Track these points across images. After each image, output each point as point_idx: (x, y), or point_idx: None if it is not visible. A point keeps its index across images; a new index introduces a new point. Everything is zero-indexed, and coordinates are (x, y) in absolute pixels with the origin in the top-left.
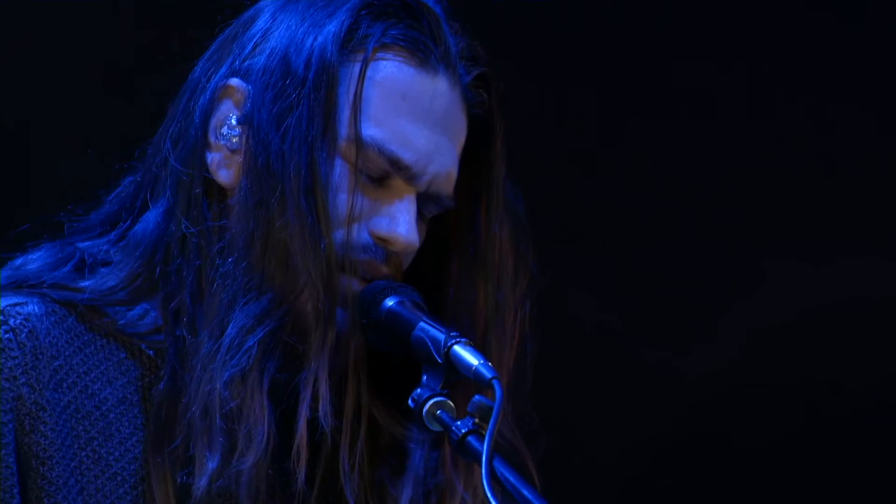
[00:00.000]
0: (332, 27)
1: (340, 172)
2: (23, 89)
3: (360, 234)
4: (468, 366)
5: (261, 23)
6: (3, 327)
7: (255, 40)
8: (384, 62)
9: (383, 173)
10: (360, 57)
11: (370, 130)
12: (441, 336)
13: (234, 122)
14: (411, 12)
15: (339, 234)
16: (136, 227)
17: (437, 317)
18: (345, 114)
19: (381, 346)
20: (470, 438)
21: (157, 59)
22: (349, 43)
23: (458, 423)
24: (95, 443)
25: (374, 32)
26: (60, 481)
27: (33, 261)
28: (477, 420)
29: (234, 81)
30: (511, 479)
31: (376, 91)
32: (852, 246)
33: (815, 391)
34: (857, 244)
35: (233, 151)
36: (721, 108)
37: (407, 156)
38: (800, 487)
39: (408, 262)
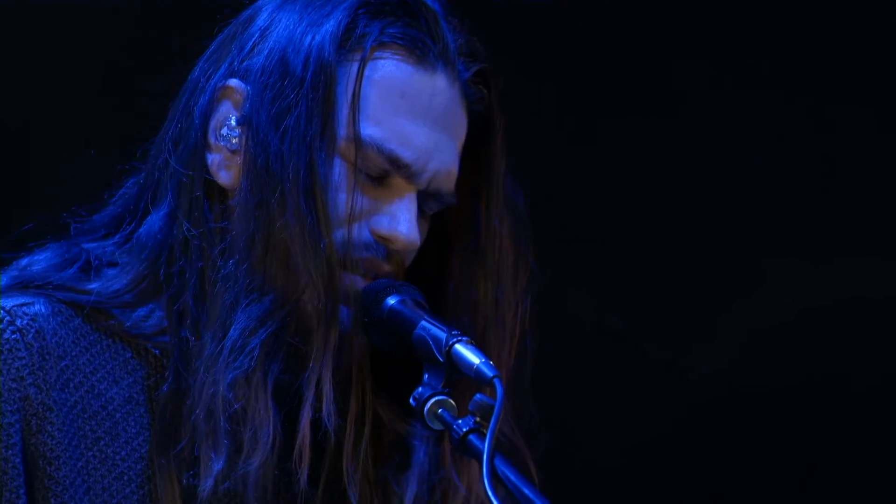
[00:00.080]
0: (329, 26)
1: (340, 172)
2: (23, 89)
3: (360, 234)
4: (469, 364)
5: (259, 22)
6: (10, 328)
7: (253, 40)
8: (382, 61)
9: (383, 172)
10: (357, 56)
11: (369, 130)
12: (442, 335)
13: (233, 122)
14: (409, 10)
15: (340, 234)
16: (141, 230)
17: (439, 315)
18: (343, 113)
19: (383, 345)
20: (471, 437)
21: (157, 59)
22: (347, 42)
23: (460, 421)
24: (102, 442)
25: (371, 31)
26: (67, 481)
27: (39, 261)
28: (478, 419)
29: (233, 82)
30: (512, 477)
31: (375, 90)
32: (852, 246)
33: (814, 391)
34: (857, 244)
35: (233, 152)
36: (721, 108)
37: (406, 154)
38: (799, 487)
39: (409, 260)
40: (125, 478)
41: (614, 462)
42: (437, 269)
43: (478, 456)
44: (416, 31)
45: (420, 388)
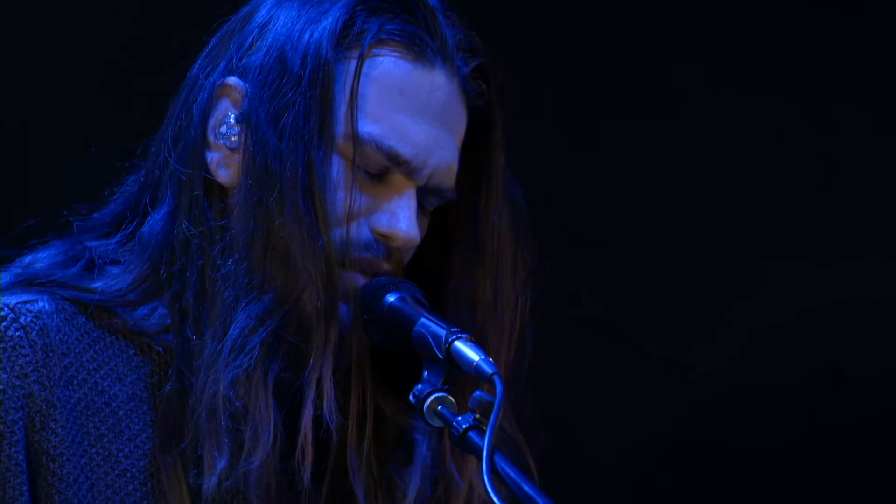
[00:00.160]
0: (327, 23)
1: (338, 170)
2: (23, 89)
3: (360, 232)
4: (469, 361)
5: (258, 19)
6: (13, 325)
7: (251, 37)
8: (381, 58)
9: (382, 169)
10: (355, 53)
11: (367, 127)
12: (442, 332)
13: (232, 120)
14: (406, 7)
15: (339, 233)
16: (143, 229)
17: (439, 311)
18: (342, 111)
19: (383, 342)
20: (471, 434)
21: (157, 59)
22: (345, 39)
23: (459, 418)
24: (105, 439)
25: (369, 28)
26: (71, 478)
27: (42, 259)
28: (478, 415)
29: (232, 80)
30: (512, 474)
31: (373, 87)
32: (852, 246)
33: (814, 391)
34: (857, 244)
35: (232, 150)
36: (721, 108)
37: (405, 150)
38: (799, 487)
39: (409, 257)
40: (128, 474)
41: (614, 462)
42: (436, 265)
43: (477, 452)
44: (415, 28)
45: (420, 385)
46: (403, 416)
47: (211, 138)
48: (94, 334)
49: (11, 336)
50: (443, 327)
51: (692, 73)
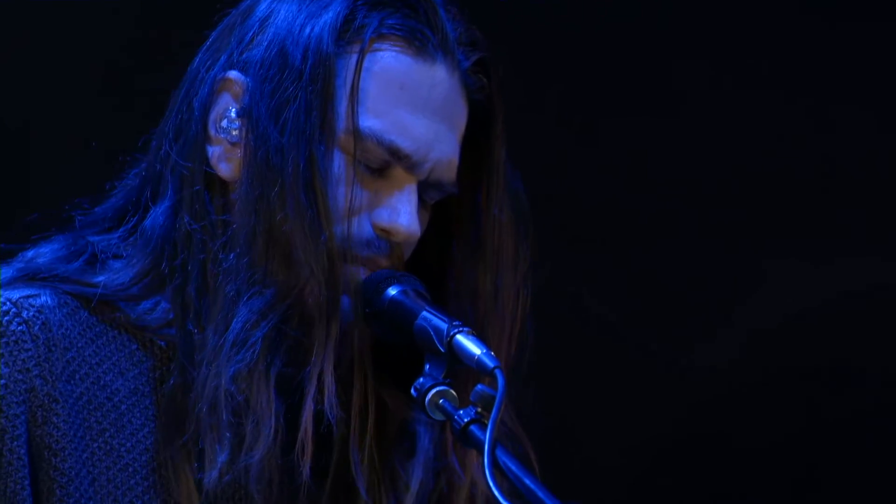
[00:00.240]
0: (328, 17)
1: (339, 165)
2: (23, 89)
3: (361, 227)
4: (471, 355)
5: (258, 13)
6: (16, 319)
7: (252, 31)
8: (381, 52)
9: (383, 164)
10: (356, 48)
11: (368, 122)
12: (443, 325)
13: (233, 115)
14: (407, 1)
15: (340, 228)
16: (146, 223)
17: (440, 304)
18: (342, 106)
19: (384, 335)
20: (472, 427)
21: (157, 59)
22: (346, 34)
23: (461, 412)
24: (107, 434)
25: (370, 22)
26: (72, 472)
27: (45, 253)
28: (479, 409)
29: (233, 74)
30: (513, 467)
31: (374, 82)
32: (852, 246)
33: (815, 391)
34: (857, 244)
35: (233, 145)
36: (721, 108)
37: (406, 145)
38: (800, 487)
39: (409, 252)
40: (130, 469)
41: (614, 462)
42: (437, 259)
43: (479, 446)
44: (415, 22)
45: (421, 379)
46: (405, 410)
47: (212, 132)
48: (97, 329)
49: (14, 330)
50: (444, 321)
51: (692, 73)
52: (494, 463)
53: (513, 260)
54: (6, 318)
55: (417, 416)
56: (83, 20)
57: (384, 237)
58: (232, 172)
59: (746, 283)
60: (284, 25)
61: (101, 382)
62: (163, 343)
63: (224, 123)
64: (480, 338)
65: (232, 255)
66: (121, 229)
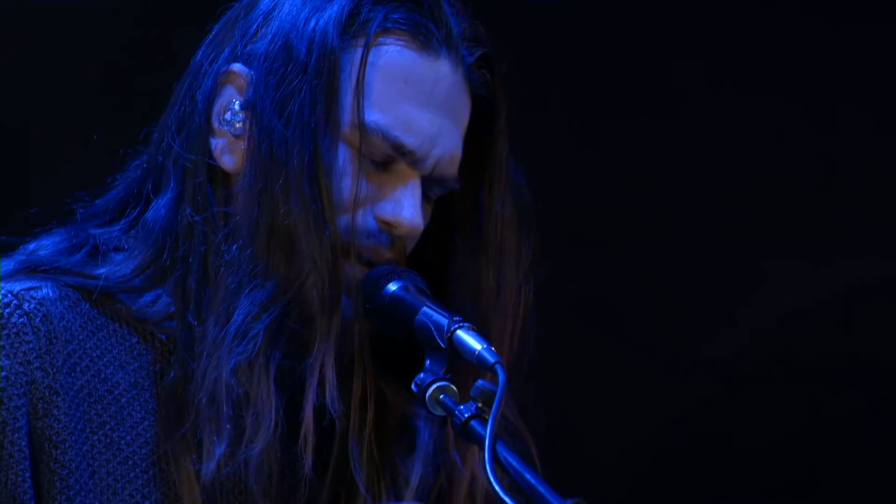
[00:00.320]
0: (333, 11)
1: (344, 158)
2: (23, 89)
3: (364, 219)
4: (471, 350)
5: (262, 6)
6: (17, 311)
7: (256, 24)
8: (386, 47)
9: (387, 158)
10: (361, 42)
11: (373, 116)
12: (444, 321)
13: (237, 107)
14: None
15: (344, 220)
16: (147, 215)
17: (441, 300)
18: (347, 100)
19: (385, 330)
20: (473, 423)
21: (157, 59)
22: (351, 28)
23: (462, 407)
24: (107, 427)
25: (375, 16)
26: (73, 465)
27: (46, 246)
28: (480, 404)
29: (237, 67)
30: (514, 463)
31: (379, 76)
32: (852, 246)
33: (816, 390)
34: (857, 244)
35: (236, 137)
36: (721, 108)
37: (410, 141)
38: (801, 487)
39: (412, 246)
40: (130, 462)
41: (615, 461)
42: (439, 254)
43: (480, 441)
44: (420, 17)
45: (422, 374)
46: (406, 405)
47: (215, 125)
48: (98, 321)
49: (15, 323)
50: (445, 316)
51: (693, 72)
52: (495, 458)
53: (515, 256)
54: (7, 311)
55: (418, 412)
56: (83, 20)
57: (387, 230)
58: (235, 165)
59: (747, 283)
60: (289, 19)
61: (102, 375)
62: (163, 336)
63: (228, 116)
64: (481, 333)
65: (234, 246)
66: (122, 221)
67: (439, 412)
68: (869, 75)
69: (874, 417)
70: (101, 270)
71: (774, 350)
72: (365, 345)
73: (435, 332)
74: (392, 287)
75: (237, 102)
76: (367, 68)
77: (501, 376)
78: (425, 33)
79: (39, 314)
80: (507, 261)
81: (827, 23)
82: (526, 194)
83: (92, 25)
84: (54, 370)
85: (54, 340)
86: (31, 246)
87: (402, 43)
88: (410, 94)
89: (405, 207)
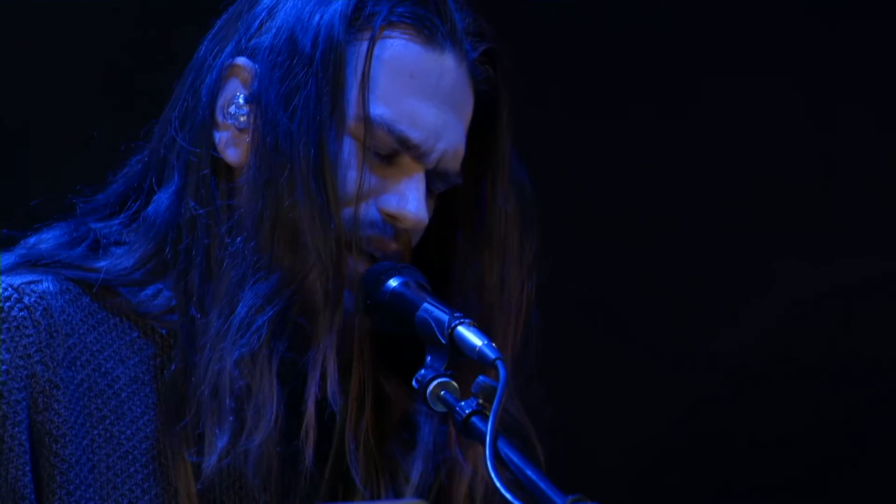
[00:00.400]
0: (338, 5)
1: (349, 151)
2: (23, 89)
3: (368, 212)
4: (472, 347)
5: (266, 1)
6: (17, 305)
7: (260, 18)
8: (391, 40)
9: (392, 151)
10: (367, 35)
11: (379, 110)
12: (445, 317)
13: (241, 101)
14: None
15: (348, 213)
16: (149, 208)
17: (444, 297)
18: (353, 93)
19: (385, 327)
20: (474, 419)
21: (157, 59)
22: (356, 21)
23: (462, 403)
24: (107, 421)
25: (380, 10)
26: (73, 459)
27: (47, 239)
28: (481, 401)
29: (241, 60)
30: (515, 459)
31: (384, 70)
32: (852, 246)
33: (817, 390)
34: (857, 244)
35: (241, 130)
36: (722, 108)
37: (415, 134)
38: (803, 486)
39: (416, 240)
40: (130, 457)
41: (616, 460)
42: (441, 251)
43: (481, 438)
44: (425, 11)
45: (423, 371)
46: (407, 401)
47: (219, 118)
48: (99, 316)
49: (15, 316)
50: (445, 312)
51: (694, 73)
52: (496, 454)
53: (518, 251)
54: (8, 304)
55: (419, 408)
56: (83, 20)
57: (391, 223)
58: (239, 158)
59: (747, 283)
60: (293, 13)
61: (103, 369)
62: (164, 331)
63: (232, 109)
64: (484, 329)
65: (238, 239)
66: (122, 215)
67: (440, 408)
68: (869, 75)
69: (877, 417)
70: (102, 264)
71: (776, 349)
72: (364, 340)
73: (436, 329)
74: (393, 283)
75: (241, 96)
76: (373, 62)
77: (502, 372)
78: (430, 27)
79: (40, 308)
80: (510, 256)
81: (827, 23)
82: (528, 191)
83: (92, 25)
84: (55, 364)
85: (55, 334)
86: (32, 240)
87: (407, 37)
88: (415, 88)
89: (410, 201)
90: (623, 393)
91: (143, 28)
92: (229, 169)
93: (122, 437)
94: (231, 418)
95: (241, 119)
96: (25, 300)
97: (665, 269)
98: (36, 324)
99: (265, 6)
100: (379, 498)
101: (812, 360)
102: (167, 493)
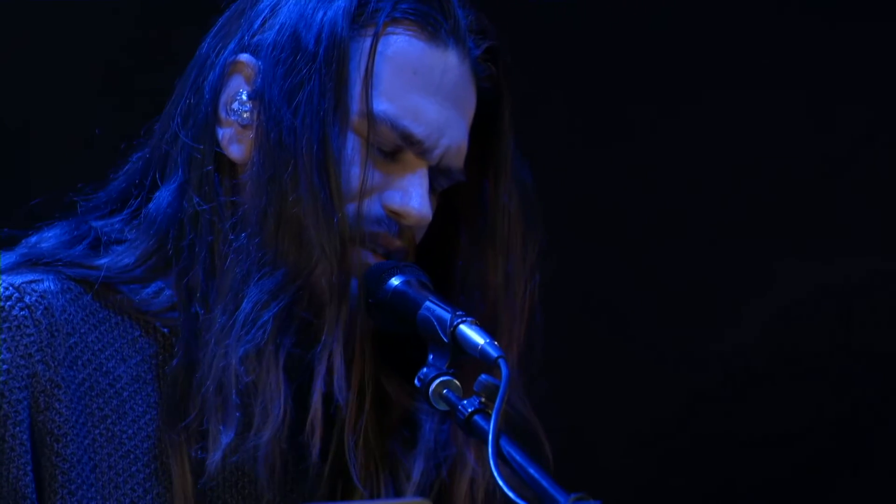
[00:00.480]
0: (341, 2)
1: (353, 147)
2: (23, 89)
3: (371, 208)
4: (474, 345)
5: None
6: (18, 304)
7: (263, 15)
8: (395, 37)
9: (395, 147)
10: (370, 31)
11: (382, 105)
12: (447, 315)
13: (244, 97)
14: None
15: (352, 208)
16: (150, 205)
17: (447, 295)
18: (356, 89)
19: (388, 325)
20: (476, 417)
21: (157, 59)
22: (359, 17)
23: (465, 402)
24: (109, 420)
25: (384, 7)
26: (74, 459)
27: (48, 238)
28: (483, 399)
29: (244, 57)
30: (518, 458)
31: (387, 66)
32: (852, 246)
33: (818, 389)
34: (858, 244)
35: (244, 127)
36: (724, 107)
37: (419, 130)
38: (805, 485)
39: (420, 236)
40: (131, 456)
41: (618, 459)
42: (444, 249)
43: (483, 436)
44: (428, 7)
45: (425, 369)
46: (408, 400)
47: (222, 115)
48: (100, 315)
49: (16, 316)
50: (448, 311)
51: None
52: (499, 453)
53: (522, 249)
54: (9, 304)
55: (421, 407)
56: (83, 20)
57: (394, 219)
58: (243, 154)
59: (748, 283)
60: (297, 9)
61: (104, 369)
62: (166, 330)
63: (235, 106)
64: (488, 327)
65: (242, 235)
66: (124, 212)
67: (442, 407)
68: (869, 75)
69: (876, 416)
70: (103, 261)
71: (778, 349)
72: (366, 339)
73: (438, 327)
74: (395, 282)
75: (245, 92)
76: (376, 58)
77: (505, 371)
78: (434, 24)
79: (41, 307)
80: (514, 254)
81: (827, 23)
82: (530, 189)
83: (92, 25)
84: (56, 363)
85: (56, 334)
86: (34, 239)
87: (410, 33)
88: (419, 84)
89: (413, 197)
90: (624, 392)
91: (143, 28)
92: (232, 165)
93: (124, 436)
94: (237, 414)
95: (245, 115)
96: (26, 299)
97: (666, 269)
98: (37, 323)
99: (268, 3)
100: (379, 496)
101: (813, 360)
102: (169, 493)
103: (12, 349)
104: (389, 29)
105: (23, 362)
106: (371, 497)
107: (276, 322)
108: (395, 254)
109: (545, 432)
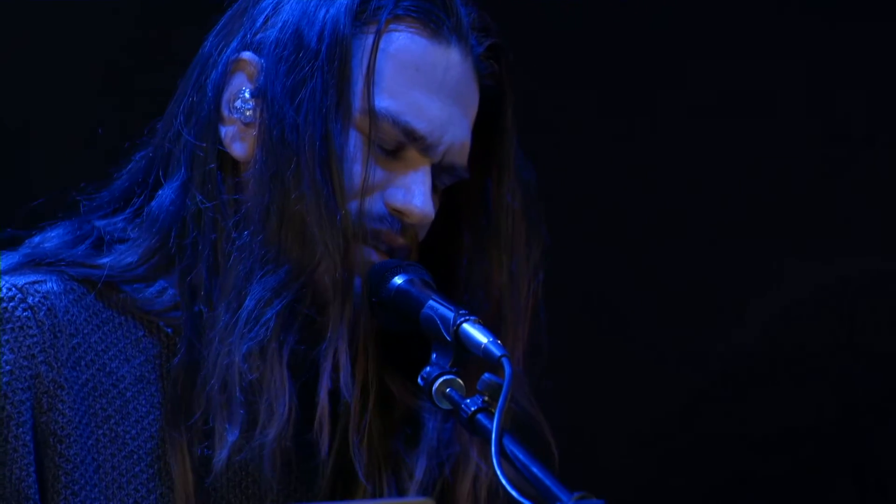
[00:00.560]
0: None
1: (355, 144)
2: (23, 89)
3: (374, 205)
4: (477, 344)
5: None
6: (21, 305)
7: (266, 13)
8: (397, 34)
9: (398, 145)
10: (372, 29)
11: (384, 102)
12: (450, 314)
13: (247, 95)
14: None
15: (354, 205)
16: (153, 204)
17: (450, 294)
18: (358, 86)
19: (391, 324)
20: (479, 416)
21: (157, 59)
22: (362, 15)
23: (468, 400)
24: (112, 421)
25: (386, 4)
26: (77, 459)
27: (51, 239)
28: (486, 398)
29: (247, 55)
30: (521, 456)
31: (390, 63)
32: (853, 246)
33: (819, 389)
34: (858, 244)
35: (247, 125)
36: (724, 108)
37: (421, 127)
38: (806, 484)
39: (423, 234)
40: (135, 456)
41: (619, 460)
42: (447, 247)
43: (486, 435)
44: (431, 5)
45: (428, 368)
46: (411, 398)
47: (225, 113)
48: (104, 315)
49: (19, 316)
50: (451, 310)
51: (696, 73)
52: (502, 452)
53: (525, 248)
54: (11, 304)
55: (424, 405)
56: (83, 20)
57: (397, 217)
58: (245, 152)
59: (748, 283)
60: (299, 7)
61: (107, 369)
62: (169, 330)
63: (238, 104)
64: (491, 326)
65: (245, 233)
66: (127, 211)
67: (446, 406)
68: (869, 75)
69: (877, 416)
70: (105, 260)
71: (779, 348)
72: (369, 338)
73: (441, 326)
74: (398, 280)
75: (247, 90)
76: (378, 55)
77: (508, 369)
78: (436, 21)
79: (44, 308)
80: (517, 253)
81: (827, 23)
82: (533, 187)
83: (92, 25)
84: (59, 364)
85: (58, 334)
86: (36, 239)
87: (412, 30)
88: (421, 81)
89: (416, 195)
90: (624, 392)
91: (143, 28)
92: (235, 163)
93: (127, 436)
94: (242, 412)
95: (247, 113)
96: (29, 300)
97: (666, 269)
98: (40, 324)
99: (270, 1)
100: (382, 494)
101: (813, 360)
102: (172, 493)
103: (15, 350)
104: (392, 26)
105: (26, 363)
106: (374, 496)
107: (279, 319)
108: (399, 251)
109: (555, 413)
